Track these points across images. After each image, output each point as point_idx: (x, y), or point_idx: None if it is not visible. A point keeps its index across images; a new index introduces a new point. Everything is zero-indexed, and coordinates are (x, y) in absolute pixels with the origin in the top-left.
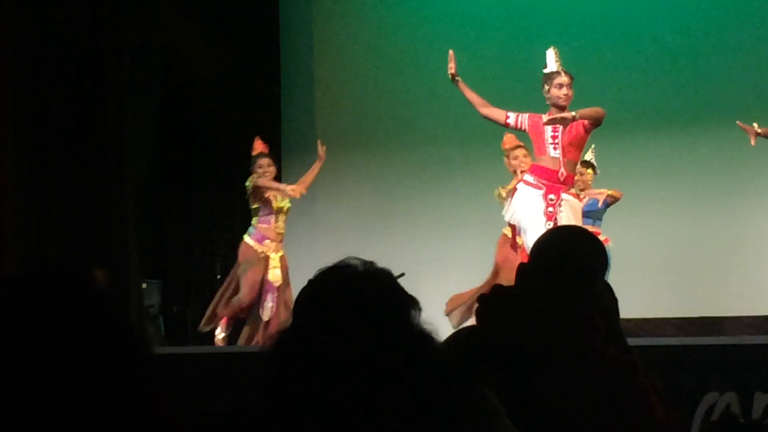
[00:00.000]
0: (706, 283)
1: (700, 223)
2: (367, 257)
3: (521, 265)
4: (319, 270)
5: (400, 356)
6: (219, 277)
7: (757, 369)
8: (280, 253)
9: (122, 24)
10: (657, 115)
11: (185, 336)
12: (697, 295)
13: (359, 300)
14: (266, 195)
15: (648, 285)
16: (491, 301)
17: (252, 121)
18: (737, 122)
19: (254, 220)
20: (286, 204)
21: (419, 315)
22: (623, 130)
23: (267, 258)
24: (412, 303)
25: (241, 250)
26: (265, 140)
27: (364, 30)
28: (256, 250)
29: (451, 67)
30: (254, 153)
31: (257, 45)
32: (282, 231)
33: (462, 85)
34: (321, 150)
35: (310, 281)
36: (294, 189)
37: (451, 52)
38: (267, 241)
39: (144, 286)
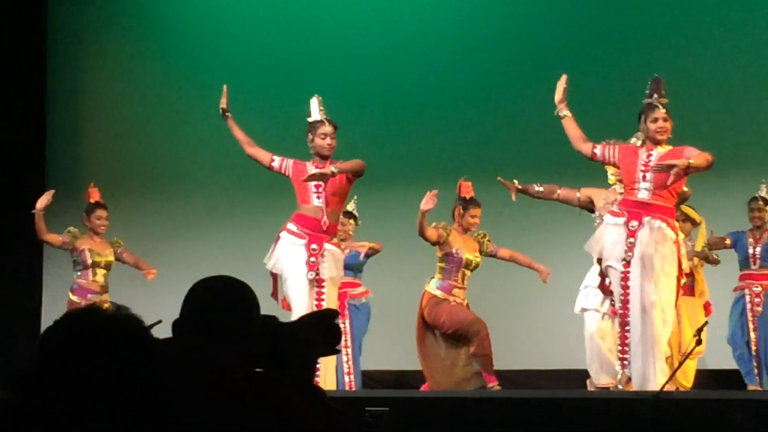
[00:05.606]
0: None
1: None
2: (133, 304)
3: (174, 322)
4: (69, 311)
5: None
6: None
7: (549, 422)
8: (106, 305)
9: None
10: (420, 169)
11: None
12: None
13: (99, 343)
14: (80, 249)
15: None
16: None
17: (16, 166)
18: (498, 178)
19: (74, 274)
20: (104, 258)
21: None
22: (386, 182)
23: None
24: (157, 351)
25: (68, 309)
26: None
27: (133, 73)
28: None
29: (223, 102)
30: (92, 201)
31: (23, 87)
32: (104, 284)
33: (231, 122)
34: None
35: (56, 321)
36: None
37: (225, 87)
38: (90, 296)
39: None
